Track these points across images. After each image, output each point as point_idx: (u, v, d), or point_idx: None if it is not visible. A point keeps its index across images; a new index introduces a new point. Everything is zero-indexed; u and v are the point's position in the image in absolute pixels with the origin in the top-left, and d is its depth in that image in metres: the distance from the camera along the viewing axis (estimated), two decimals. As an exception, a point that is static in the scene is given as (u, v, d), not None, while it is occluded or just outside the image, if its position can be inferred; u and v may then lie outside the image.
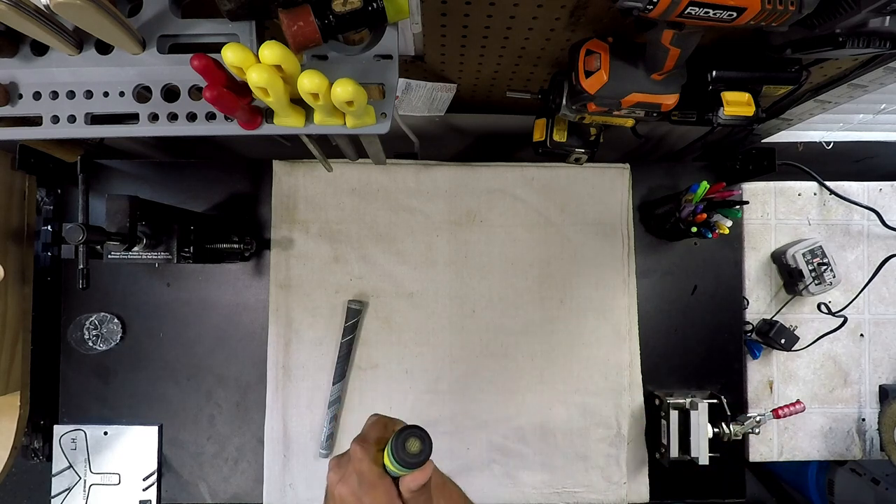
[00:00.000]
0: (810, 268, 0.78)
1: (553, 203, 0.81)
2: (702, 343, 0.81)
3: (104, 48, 0.42)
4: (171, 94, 0.43)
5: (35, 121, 0.44)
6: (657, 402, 0.78)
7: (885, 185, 0.84)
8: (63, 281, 0.78)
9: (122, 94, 0.43)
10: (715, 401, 0.75)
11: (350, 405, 0.78)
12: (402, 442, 0.35)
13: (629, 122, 0.63)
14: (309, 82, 0.37)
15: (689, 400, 0.75)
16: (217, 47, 0.38)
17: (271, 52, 0.36)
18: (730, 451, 0.76)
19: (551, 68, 0.65)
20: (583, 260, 0.80)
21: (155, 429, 0.77)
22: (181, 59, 0.42)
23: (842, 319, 0.78)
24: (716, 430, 0.73)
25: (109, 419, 0.77)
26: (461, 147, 0.97)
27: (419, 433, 0.36)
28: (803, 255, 0.78)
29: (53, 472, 0.76)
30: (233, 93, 0.39)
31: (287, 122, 0.43)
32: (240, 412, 0.78)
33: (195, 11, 0.43)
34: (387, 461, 0.37)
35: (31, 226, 0.75)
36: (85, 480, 0.76)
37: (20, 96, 0.43)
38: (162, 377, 0.78)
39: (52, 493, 0.76)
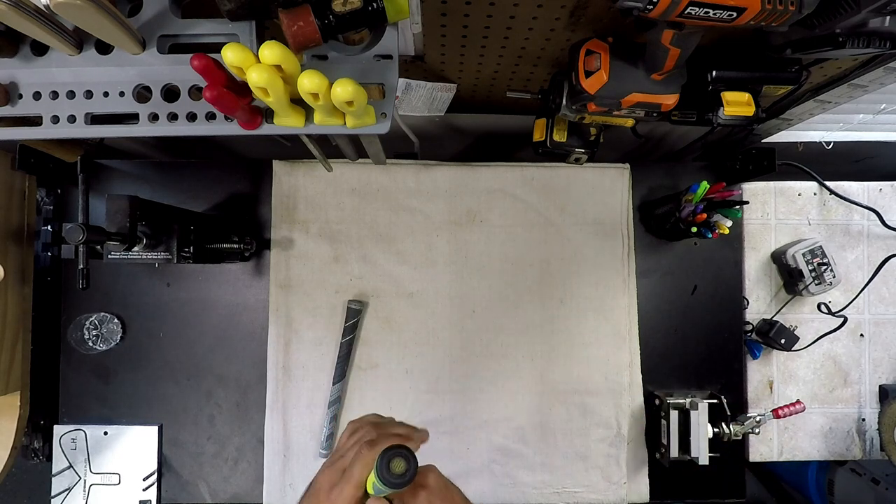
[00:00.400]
0: (810, 268, 0.78)
1: (553, 203, 0.81)
2: (702, 343, 0.81)
3: (104, 48, 0.42)
4: (171, 94, 0.43)
5: (35, 121, 0.44)
6: (657, 402, 0.78)
7: (885, 185, 0.84)
8: (63, 281, 0.78)
9: (122, 94, 0.43)
10: (715, 401, 0.75)
11: (350, 405, 0.78)
12: (387, 462, 0.35)
13: (629, 122, 0.63)
14: (309, 82, 0.37)
15: (689, 400, 0.75)
16: (217, 47, 0.38)
17: (271, 52, 0.36)
18: (730, 451, 0.76)
19: (551, 68, 0.65)
20: (583, 260, 0.80)
21: (155, 429, 0.77)
22: (181, 59, 0.42)
23: (842, 319, 0.78)
24: (716, 430, 0.73)
25: (109, 419, 0.77)
26: (461, 147, 0.97)
27: (404, 453, 0.36)
28: (803, 255, 0.78)
29: (53, 472, 0.76)
30: (233, 93, 0.39)
31: (287, 122, 0.43)
32: (240, 412, 0.78)
33: (195, 11, 0.43)
34: (373, 479, 0.37)
35: (31, 226, 0.75)
36: (85, 480, 0.76)
37: (20, 96, 0.43)
38: (162, 377, 0.78)
39: (52, 493, 0.76)
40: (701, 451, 0.72)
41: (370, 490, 0.39)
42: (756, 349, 0.81)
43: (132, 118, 0.44)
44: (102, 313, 0.77)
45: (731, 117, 0.59)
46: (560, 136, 0.70)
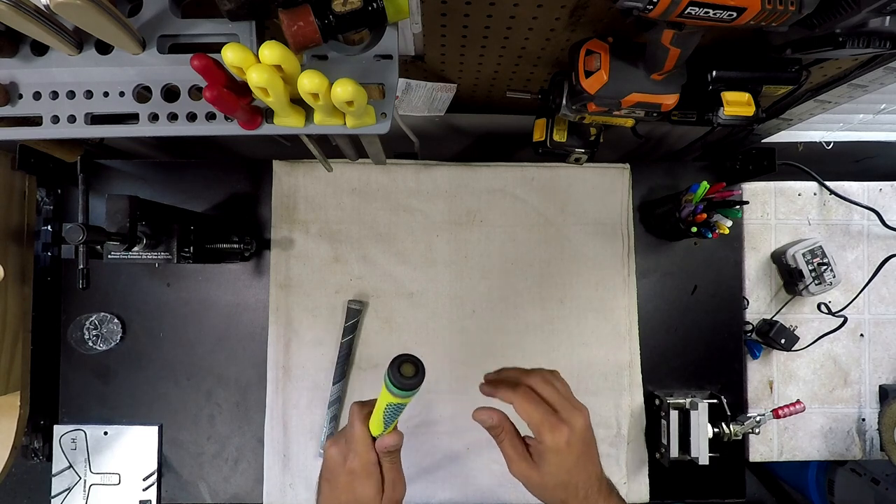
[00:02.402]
0: (810, 268, 0.78)
1: (553, 203, 0.81)
2: (702, 343, 0.81)
3: (104, 48, 0.42)
4: (171, 94, 0.43)
5: (35, 121, 0.44)
6: (657, 402, 0.78)
7: (885, 185, 0.84)
8: (63, 281, 0.78)
9: (122, 94, 0.43)
10: (715, 401, 0.75)
11: (350, 405, 0.78)
12: (398, 366, 0.39)
13: (629, 122, 0.63)
14: (309, 82, 0.37)
15: (689, 400, 0.75)
16: (217, 47, 0.38)
17: (271, 52, 0.36)
18: (730, 451, 0.76)
19: (551, 68, 0.65)
20: (583, 260, 0.80)
21: (155, 429, 0.77)
22: (181, 59, 0.42)
23: (842, 319, 0.78)
24: (716, 430, 0.73)
25: (109, 419, 0.77)
26: (461, 147, 0.97)
27: (413, 359, 0.39)
28: (803, 255, 0.78)
29: (53, 472, 0.76)
30: (233, 93, 0.39)
31: (287, 122, 0.43)
32: (240, 412, 0.78)
33: (195, 11, 0.43)
34: (384, 393, 0.41)
35: (31, 226, 0.75)
36: (85, 480, 0.76)
37: (20, 96, 0.43)
38: (162, 377, 0.78)
39: (52, 493, 0.76)
40: (701, 451, 0.72)
41: (376, 432, 0.43)
42: (756, 349, 0.81)
43: (132, 118, 0.44)
44: (102, 313, 0.77)
45: (731, 117, 0.59)
46: (560, 136, 0.70)
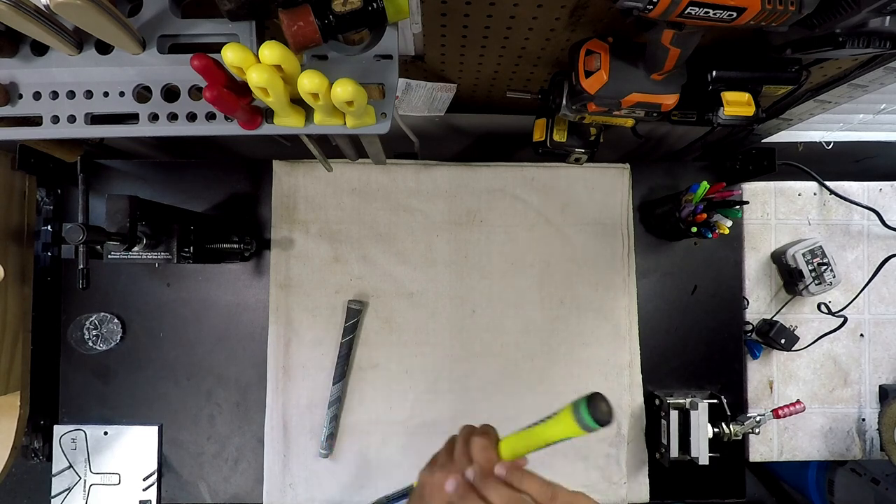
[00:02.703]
0: (810, 268, 0.78)
1: (553, 203, 0.81)
2: (702, 343, 0.81)
3: (104, 48, 0.42)
4: (171, 94, 0.43)
5: (35, 121, 0.44)
6: (657, 402, 0.78)
7: (885, 185, 0.84)
8: (63, 281, 0.78)
9: (122, 94, 0.43)
10: (715, 401, 0.75)
11: (350, 405, 0.78)
12: (596, 403, 0.40)
13: (629, 122, 0.63)
14: (309, 82, 0.37)
15: (689, 400, 0.75)
16: (217, 47, 0.38)
17: (271, 52, 0.36)
18: (730, 451, 0.76)
19: (551, 68, 0.65)
20: (583, 260, 0.80)
21: (155, 429, 0.77)
22: (181, 59, 0.42)
23: (842, 319, 0.78)
24: (716, 430, 0.73)
25: (109, 419, 0.77)
26: (461, 147, 0.97)
27: (603, 397, 0.41)
28: (803, 255, 0.78)
29: (53, 472, 0.76)
30: (233, 93, 0.39)
31: (287, 122, 0.43)
32: (240, 412, 0.78)
33: (195, 11, 0.43)
34: (564, 426, 0.42)
35: (31, 226, 0.75)
36: (85, 480, 0.76)
37: (20, 96, 0.43)
38: (162, 377, 0.78)
39: (52, 493, 0.76)
40: (701, 451, 0.72)
41: (509, 454, 0.44)
42: (756, 349, 0.81)
43: (132, 118, 0.44)
44: (102, 313, 0.77)
45: (731, 117, 0.59)
46: (560, 136, 0.70)
